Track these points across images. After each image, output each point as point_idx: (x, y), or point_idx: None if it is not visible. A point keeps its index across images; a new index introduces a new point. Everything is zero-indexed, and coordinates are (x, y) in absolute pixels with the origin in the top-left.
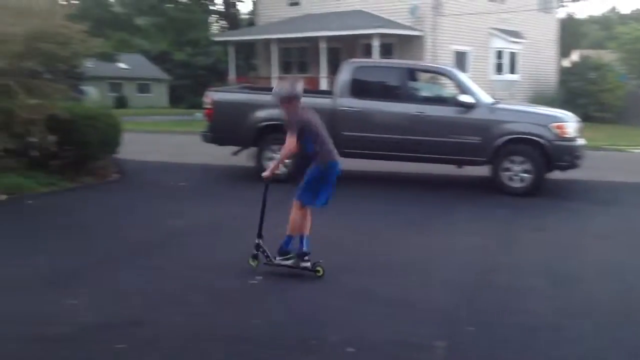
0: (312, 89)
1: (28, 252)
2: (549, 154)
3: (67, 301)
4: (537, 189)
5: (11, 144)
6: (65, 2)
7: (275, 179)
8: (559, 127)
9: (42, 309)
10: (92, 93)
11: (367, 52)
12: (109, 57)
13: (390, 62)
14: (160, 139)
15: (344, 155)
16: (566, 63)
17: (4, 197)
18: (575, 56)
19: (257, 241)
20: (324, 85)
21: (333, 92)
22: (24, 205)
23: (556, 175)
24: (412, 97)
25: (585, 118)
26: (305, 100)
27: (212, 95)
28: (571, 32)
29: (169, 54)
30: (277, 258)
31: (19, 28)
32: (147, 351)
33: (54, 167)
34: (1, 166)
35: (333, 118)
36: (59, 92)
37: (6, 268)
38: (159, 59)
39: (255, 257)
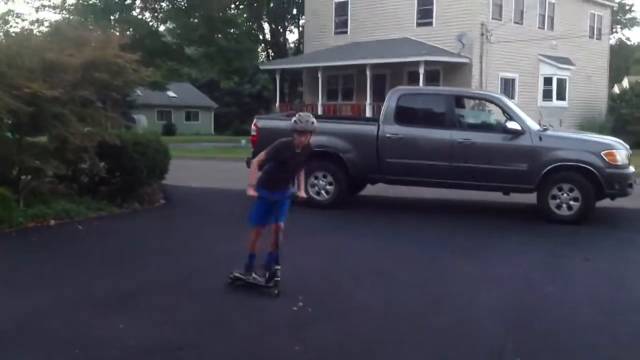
0: (357, 116)
1: (78, 276)
2: (599, 182)
3: (115, 325)
4: (586, 218)
5: (62, 170)
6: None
7: (317, 205)
8: (609, 155)
9: (90, 332)
10: (142, 121)
11: (413, 79)
12: (159, 86)
13: (436, 89)
14: (207, 165)
15: (388, 182)
16: (617, 89)
17: (52, 222)
18: (626, 82)
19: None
20: (368, 112)
21: (378, 118)
22: (75, 230)
23: (605, 203)
24: (458, 124)
25: (636, 145)
26: (351, 127)
27: (258, 123)
28: (623, 58)
29: (217, 82)
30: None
31: (76, 58)
32: None
33: (102, 193)
34: (52, 192)
35: (377, 145)
36: (110, 120)
37: (56, 292)
38: (206, 87)
39: (275, 283)
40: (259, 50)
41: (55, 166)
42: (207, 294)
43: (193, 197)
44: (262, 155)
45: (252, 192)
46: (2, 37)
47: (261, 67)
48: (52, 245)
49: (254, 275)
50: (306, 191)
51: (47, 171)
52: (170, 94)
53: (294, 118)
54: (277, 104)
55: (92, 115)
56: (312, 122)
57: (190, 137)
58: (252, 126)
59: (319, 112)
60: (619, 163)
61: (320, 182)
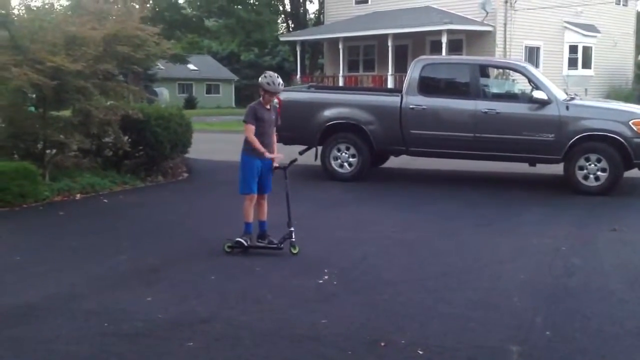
0: (380, 87)
1: (105, 249)
2: (627, 152)
3: (142, 298)
4: (613, 188)
5: (87, 144)
6: (139, 6)
7: (340, 177)
8: (637, 124)
9: (117, 305)
10: (164, 94)
11: (436, 48)
12: (179, 59)
13: (460, 59)
14: (228, 138)
15: (412, 154)
16: None
17: (78, 196)
18: None
19: (291, 229)
20: (390, 83)
21: (401, 90)
22: (100, 203)
23: (633, 173)
24: (483, 94)
25: None
26: (373, 98)
27: (280, 95)
28: None
29: (237, 55)
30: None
31: (97, 32)
32: (214, 348)
33: (126, 166)
34: (76, 166)
35: (401, 116)
36: (133, 93)
37: (86, 265)
38: (226, 59)
39: (292, 244)
40: (278, 21)
41: (80, 140)
42: (231, 267)
43: (216, 170)
44: (247, 125)
45: (268, 154)
46: (24, 11)
47: (281, 39)
48: (79, 219)
49: (261, 242)
50: (329, 164)
51: (72, 145)
52: (191, 66)
53: (266, 80)
54: (298, 75)
55: (114, 88)
56: (281, 84)
57: (211, 110)
58: (274, 99)
59: (340, 83)
60: None
61: (343, 154)
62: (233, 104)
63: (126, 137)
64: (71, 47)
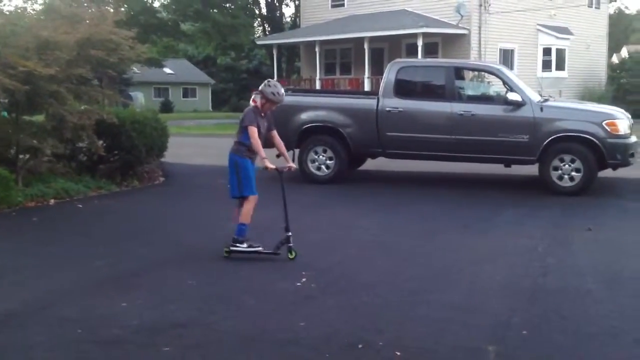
0: (356, 90)
1: (79, 255)
2: (601, 152)
3: (119, 304)
4: (587, 188)
5: (60, 149)
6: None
7: (317, 180)
8: (610, 124)
9: (93, 312)
10: (139, 98)
11: (411, 52)
12: (155, 63)
13: (435, 62)
14: (205, 142)
15: (388, 156)
16: (616, 59)
17: (52, 201)
18: (625, 52)
19: (288, 234)
20: (367, 86)
21: (378, 92)
22: (75, 209)
23: (606, 173)
24: (458, 96)
25: (636, 115)
26: (350, 101)
27: (257, 98)
28: (622, 28)
29: (213, 58)
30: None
31: (70, 36)
32: (192, 354)
33: (101, 171)
34: (50, 171)
35: (377, 119)
36: (107, 97)
37: (61, 271)
38: (203, 63)
39: (290, 249)
40: (255, 25)
41: (53, 145)
42: (208, 271)
43: (192, 174)
44: (253, 127)
45: (270, 165)
46: None
47: (258, 42)
48: (53, 224)
49: (255, 246)
50: (306, 166)
51: (45, 150)
52: (167, 70)
53: (270, 89)
54: (275, 79)
55: (88, 93)
56: (284, 94)
57: (188, 114)
58: (251, 102)
59: (317, 86)
60: (620, 133)
61: (321, 157)
62: (210, 108)
63: (101, 142)
64: (44, 52)
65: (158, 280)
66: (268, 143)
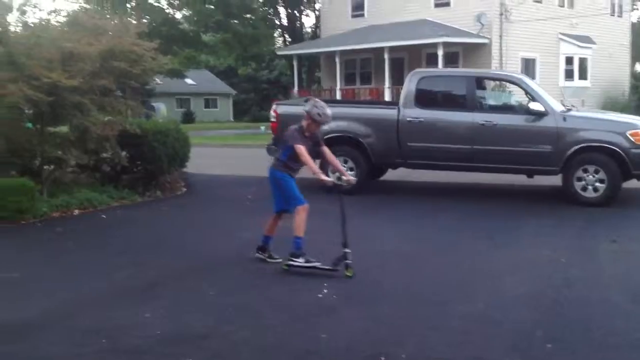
0: (376, 100)
1: (103, 266)
2: (626, 163)
3: (140, 314)
4: (612, 199)
5: (84, 159)
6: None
7: (340, 190)
8: (634, 135)
9: (116, 321)
10: (162, 109)
11: (432, 61)
12: (177, 74)
13: (456, 71)
14: (227, 153)
15: (409, 166)
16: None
17: (76, 211)
18: None
19: (346, 250)
20: (387, 96)
21: (398, 102)
22: (98, 219)
23: (631, 184)
24: (479, 106)
25: None
26: (371, 111)
27: (278, 109)
28: None
29: (234, 69)
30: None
31: (94, 48)
32: None
33: (124, 182)
34: (74, 182)
35: (398, 129)
36: (130, 108)
37: (84, 281)
38: (224, 74)
39: (347, 266)
40: (275, 35)
41: (77, 156)
42: (230, 282)
43: (214, 184)
44: (300, 146)
45: (325, 178)
46: (21, 27)
47: (278, 53)
48: (77, 235)
49: (312, 261)
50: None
51: (69, 161)
52: (189, 81)
53: (317, 110)
54: (296, 89)
55: (112, 104)
56: (330, 117)
57: (209, 125)
58: (272, 112)
59: (337, 96)
60: None
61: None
62: (231, 118)
63: (124, 153)
64: (68, 63)
65: (178, 291)
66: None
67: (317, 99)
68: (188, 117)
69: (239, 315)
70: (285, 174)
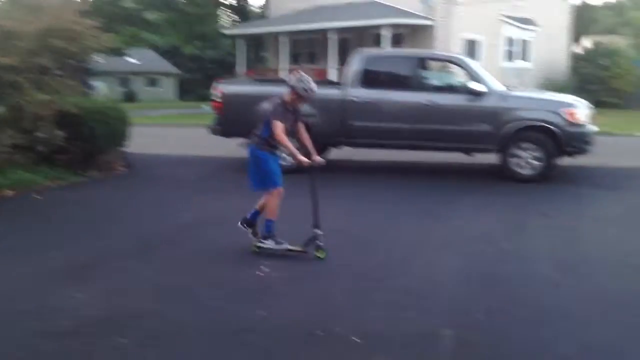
0: (322, 80)
1: (37, 247)
2: (560, 141)
3: (73, 295)
4: (547, 176)
5: (19, 139)
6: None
7: (282, 170)
8: (569, 114)
9: (48, 303)
10: (101, 88)
11: (378, 42)
12: (119, 52)
13: (401, 52)
14: (169, 132)
15: (354, 145)
16: (578, 49)
17: (10, 192)
18: (587, 42)
19: (317, 231)
20: (333, 76)
21: (343, 82)
22: (32, 200)
23: (566, 161)
24: (423, 86)
25: (597, 104)
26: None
27: (221, 88)
28: (583, 19)
29: (179, 48)
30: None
31: (31, 25)
32: (147, 345)
33: (61, 161)
34: (9, 162)
35: (343, 108)
36: (68, 87)
37: (17, 264)
38: (168, 53)
39: (318, 247)
40: (221, 14)
41: (11, 135)
42: (169, 262)
43: (155, 164)
44: (277, 122)
45: (302, 158)
46: None
47: (224, 32)
48: (10, 216)
49: (282, 243)
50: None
51: (4, 141)
52: (132, 60)
53: (302, 85)
54: (242, 69)
55: (49, 83)
56: (315, 92)
57: (152, 104)
58: (215, 91)
59: (284, 77)
60: (579, 121)
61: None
62: (176, 97)
63: (61, 132)
64: (4, 42)
65: (115, 271)
66: (236, 132)
67: (301, 72)
68: (130, 97)
69: (177, 295)
70: (267, 153)
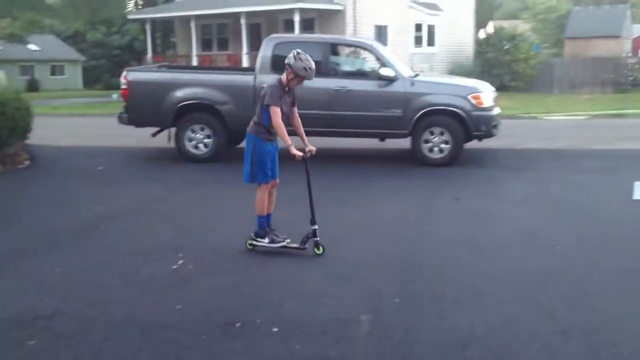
0: (233, 67)
1: None
2: (467, 125)
3: None
4: (456, 159)
5: None
6: None
7: (195, 158)
8: (475, 98)
9: None
10: (0, 77)
11: (289, 27)
12: (18, 39)
13: (311, 37)
14: (77, 123)
15: None
16: (483, 34)
17: None
18: (491, 27)
19: (314, 227)
20: (245, 62)
21: (254, 68)
22: None
23: (474, 144)
24: (333, 72)
25: (501, 88)
26: (227, 78)
27: (128, 75)
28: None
29: (82, 34)
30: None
31: None
32: (59, 346)
33: None
34: None
35: (255, 95)
36: None
37: None
38: (71, 39)
39: (316, 244)
40: None
41: None
42: (77, 258)
43: (61, 156)
44: (276, 108)
45: (295, 152)
46: None
47: (130, 17)
48: None
49: (279, 240)
50: (183, 145)
51: None
52: (32, 47)
53: (302, 64)
54: (150, 55)
55: None
56: (314, 71)
57: (57, 93)
58: (122, 79)
59: (194, 62)
60: (485, 105)
61: (198, 135)
62: (81, 86)
63: None
64: None
65: (21, 270)
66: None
67: (299, 50)
68: (32, 86)
69: (87, 292)
70: (266, 142)
